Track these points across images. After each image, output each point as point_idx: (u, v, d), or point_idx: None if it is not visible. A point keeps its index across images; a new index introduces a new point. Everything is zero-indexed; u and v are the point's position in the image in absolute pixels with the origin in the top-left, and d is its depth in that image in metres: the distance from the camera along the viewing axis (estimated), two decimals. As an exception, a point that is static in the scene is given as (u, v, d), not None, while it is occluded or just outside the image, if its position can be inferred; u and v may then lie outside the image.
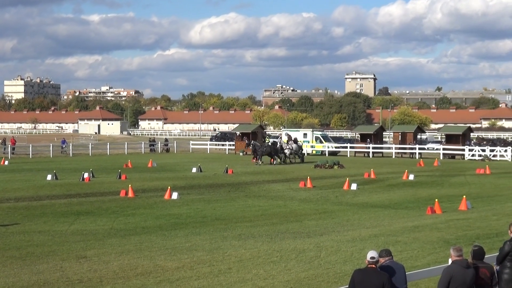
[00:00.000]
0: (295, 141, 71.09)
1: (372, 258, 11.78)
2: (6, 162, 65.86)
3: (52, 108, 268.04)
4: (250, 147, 67.52)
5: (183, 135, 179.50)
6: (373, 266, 11.79)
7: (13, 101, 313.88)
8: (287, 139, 73.41)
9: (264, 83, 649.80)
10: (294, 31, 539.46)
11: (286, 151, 67.05)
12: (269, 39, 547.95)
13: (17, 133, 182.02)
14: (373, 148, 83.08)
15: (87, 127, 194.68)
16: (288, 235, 24.28)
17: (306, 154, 78.92)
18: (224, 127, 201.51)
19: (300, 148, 70.22)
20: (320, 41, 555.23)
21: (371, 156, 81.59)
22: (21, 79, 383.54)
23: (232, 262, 19.19)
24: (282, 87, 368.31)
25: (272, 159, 65.99)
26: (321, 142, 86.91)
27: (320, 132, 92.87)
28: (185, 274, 17.81)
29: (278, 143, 68.81)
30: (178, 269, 18.40)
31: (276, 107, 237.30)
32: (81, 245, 22.15)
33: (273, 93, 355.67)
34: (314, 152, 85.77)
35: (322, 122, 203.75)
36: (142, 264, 18.95)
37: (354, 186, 41.58)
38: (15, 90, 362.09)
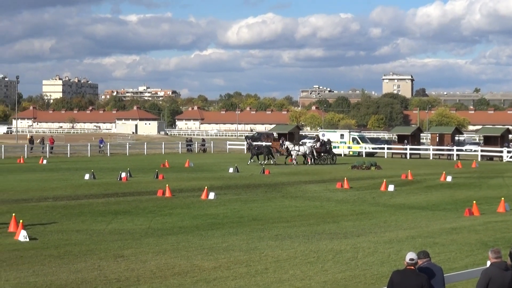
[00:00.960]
0: (329, 142, 70.77)
1: (411, 259, 11.71)
2: (45, 161, 66.51)
3: (90, 108, 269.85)
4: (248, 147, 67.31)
5: (219, 135, 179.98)
6: (412, 267, 11.73)
7: (51, 101, 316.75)
8: (315, 139, 73.19)
9: (301, 83, 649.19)
10: (331, 32, 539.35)
11: (292, 153, 66.69)
12: (307, 40, 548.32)
13: (55, 132, 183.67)
14: (411, 149, 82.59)
15: (125, 127, 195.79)
16: (325, 236, 24.23)
17: (341, 155, 78.89)
18: (261, 128, 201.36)
19: (328, 150, 69.59)
20: (357, 42, 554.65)
21: (408, 158, 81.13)
22: (60, 78, 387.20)
23: (269, 263, 19.19)
24: (319, 87, 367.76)
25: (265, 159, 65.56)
26: (358, 143, 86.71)
27: (357, 133, 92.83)
28: (222, 274, 17.85)
29: (285, 145, 68.35)
30: (215, 269, 18.45)
31: (313, 107, 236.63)
32: (119, 244, 22.29)
33: (310, 93, 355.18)
34: (351, 153, 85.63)
35: (359, 123, 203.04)
36: (179, 264, 19.02)
37: (391, 187, 41.35)
38: (53, 89, 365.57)
